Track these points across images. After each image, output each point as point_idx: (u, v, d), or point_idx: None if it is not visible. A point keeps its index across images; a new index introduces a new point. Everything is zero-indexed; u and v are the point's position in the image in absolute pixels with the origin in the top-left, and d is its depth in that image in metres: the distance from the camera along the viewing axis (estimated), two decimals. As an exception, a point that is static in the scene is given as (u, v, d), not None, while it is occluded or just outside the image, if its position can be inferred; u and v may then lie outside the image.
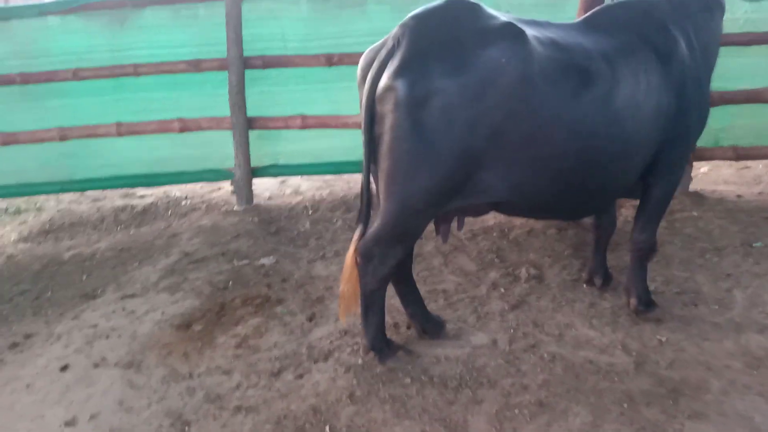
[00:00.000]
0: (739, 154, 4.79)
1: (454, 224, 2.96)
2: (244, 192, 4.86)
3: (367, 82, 2.53)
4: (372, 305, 2.77)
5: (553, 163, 2.57)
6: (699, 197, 4.70)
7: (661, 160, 2.87)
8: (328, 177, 5.41)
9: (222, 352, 3.03)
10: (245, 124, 4.68)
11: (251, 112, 4.67)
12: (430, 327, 3.02)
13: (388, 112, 2.45)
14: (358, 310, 2.81)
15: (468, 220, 3.53)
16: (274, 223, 4.57)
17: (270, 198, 5.14)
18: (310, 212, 4.75)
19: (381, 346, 2.83)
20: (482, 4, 2.59)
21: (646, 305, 3.11)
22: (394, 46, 2.47)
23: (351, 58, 4.55)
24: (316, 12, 4.53)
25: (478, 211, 2.80)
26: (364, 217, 2.72)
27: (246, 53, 4.52)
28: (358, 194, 4.94)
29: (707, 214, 4.45)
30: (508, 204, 2.70)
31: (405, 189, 2.52)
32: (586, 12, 3.51)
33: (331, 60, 4.53)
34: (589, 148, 2.59)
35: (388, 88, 2.42)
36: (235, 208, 4.87)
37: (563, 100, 2.50)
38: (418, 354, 2.91)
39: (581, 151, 2.58)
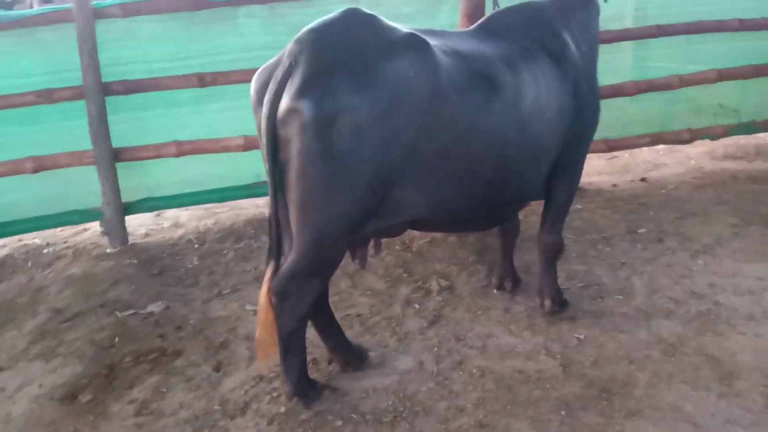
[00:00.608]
0: (610, 145, 5.08)
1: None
2: (117, 231, 4.37)
3: (264, 105, 2.29)
4: (292, 347, 2.53)
5: (469, 174, 2.49)
6: (579, 190, 4.85)
7: (563, 161, 2.90)
8: (211, 205, 5.02)
9: (119, 424, 2.62)
10: (111, 156, 4.20)
11: (117, 142, 4.20)
12: (353, 358, 2.83)
13: (293, 136, 2.23)
14: (277, 354, 2.55)
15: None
16: (156, 263, 4.14)
17: (147, 235, 4.67)
18: (196, 246, 4.36)
19: (305, 389, 2.59)
20: (379, 15, 2.45)
21: (560, 305, 3.13)
22: (291, 63, 2.25)
23: (226, 77, 4.25)
24: (183, 29, 4.17)
25: (396, 231, 2.65)
26: (276, 253, 2.47)
27: (105, 78, 4.05)
28: (247, 221, 4.63)
29: (590, 205, 4.66)
30: (427, 220, 2.58)
31: (320, 217, 2.31)
32: (468, 19, 3.51)
33: (203, 80, 4.19)
34: (502, 155, 2.54)
35: (292, 110, 2.20)
36: (108, 250, 4.36)
37: (475, 110, 2.43)
38: (345, 390, 2.70)
39: (495, 159, 2.52)
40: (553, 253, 3.11)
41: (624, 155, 5.68)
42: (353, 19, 2.37)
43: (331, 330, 2.81)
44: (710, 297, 3.24)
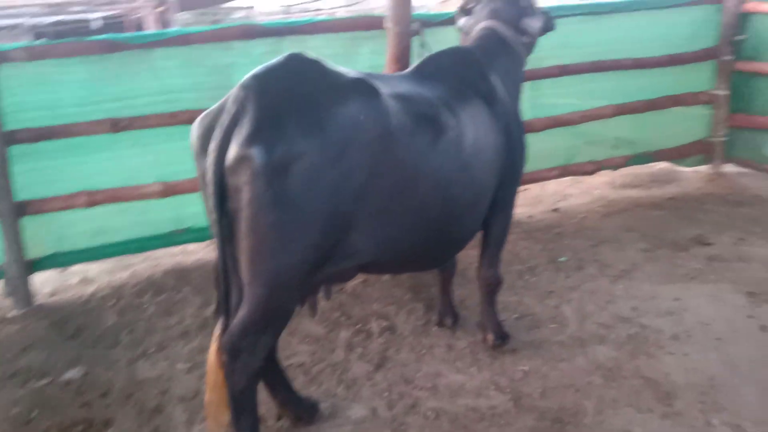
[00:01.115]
0: (523, 179, 5.29)
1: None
2: (22, 292, 3.99)
3: (210, 152, 2.19)
4: (245, 407, 2.38)
5: (418, 215, 2.51)
6: (499, 222, 5.07)
7: (499, 198, 2.98)
8: (121, 258, 4.71)
9: None
10: (13, 210, 3.85)
11: (21, 195, 3.87)
12: (305, 411, 2.73)
13: (243, 184, 2.14)
14: (228, 417, 2.40)
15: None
16: (69, 324, 3.81)
17: (54, 293, 4.30)
18: (113, 302, 4.07)
19: (259, 448, 2.45)
20: (323, 59, 2.44)
21: (502, 338, 3.19)
22: (238, 110, 2.18)
23: (143, 121, 4.06)
24: (94, 72, 3.93)
25: (346, 276, 2.61)
26: (225, 308, 2.34)
27: (8, 126, 3.74)
28: (166, 272, 4.40)
29: (511, 237, 4.77)
30: (378, 263, 2.56)
31: (274, 266, 2.22)
32: (396, 63, 3.57)
33: (117, 125, 3.97)
34: (448, 195, 2.58)
35: (241, 158, 2.12)
36: (13, 313, 3.97)
37: (422, 151, 2.46)
38: (298, 446, 2.59)
39: (442, 199, 2.56)
40: (493, 287, 3.18)
41: (534, 188, 5.95)
42: (298, 63, 2.35)
43: (280, 384, 2.70)
44: (636, 320, 3.43)
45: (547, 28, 3.32)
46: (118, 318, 3.86)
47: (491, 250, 3.12)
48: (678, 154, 5.92)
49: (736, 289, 3.68)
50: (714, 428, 2.53)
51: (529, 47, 3.28)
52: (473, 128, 2.71)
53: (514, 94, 3.12)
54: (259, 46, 4.35)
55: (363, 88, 2.35)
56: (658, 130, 5.74)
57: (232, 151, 2.14)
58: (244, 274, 2.27)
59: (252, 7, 20.16)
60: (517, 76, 3.17)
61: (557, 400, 2.79)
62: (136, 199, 4.15)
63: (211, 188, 2.20)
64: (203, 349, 3.44)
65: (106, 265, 4.69)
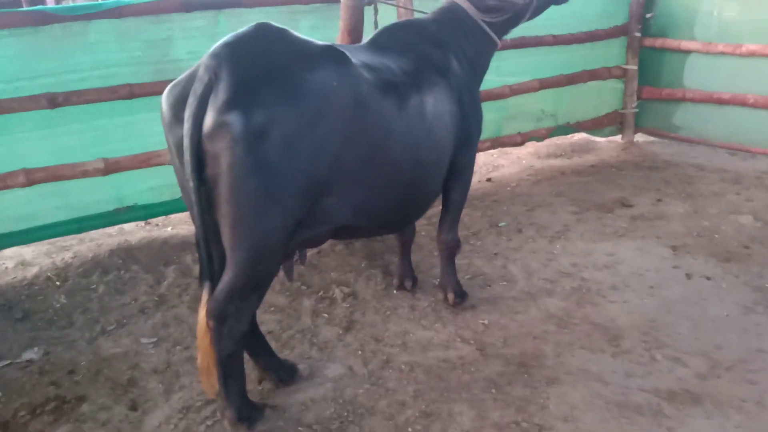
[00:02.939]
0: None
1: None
2: (-44, 277, 3.78)
3: (186, 121, 2.20)
4: (232, 370, 2.45)
5: (389, 178, 2.64)
6: (438, 192, 5.29)
7: (456, 164, 3.15)
8: (58, 239, 4.53)
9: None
10: (-56, 191, 3.64)
11: (-47, 175, 3.65)
12: (285, 373, 2.81)
13: (222, 150, 2.17)
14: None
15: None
16: (16, 308, 3.66)
17: (-11, 278, 4.10)
18: (58, 284, 3.92)
19: (248, 412, 2.52)
20: (289, 29, 2.49)
21: (461, 296, 3.40)
22: (211, 78, 2.20)
23: (80, 96, 3.90)
24: (27, 46, 3.72)
25: (319, 241, 2.69)
26: (208, 274, 2.37)
27: (-64, 103, 3.51)
28: (111, 251, 4.27)
29: (451, 205, 5.04)
30: (349, 227, 2.67)
31: (256, 230, 2.28)
32: (349, 35, 3.64)
33: (54, 101, 3.80)
34: (415, 158, 2.72)
35: (221, 124, 2.15)
36: (-51, 300, 3.76)
37: (391, 116, 2.58)
38: (284, 406, 2.69)
39: (410, 162, 2.70)
40: (452, 250, 3.37)
41: (466, 159, 6.20)
42: (266, 32, 2.39)
43: (261, 348, 2.77)
44: (577, 275, 3.74)
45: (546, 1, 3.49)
46: (67, 299, 3.74)
47: (451, 215, 3.30)
48: (595, 125, 6.36)
49: (661, 243, 4.08)
50: (658, 362, 2.85)
51: (511, 23, 3.40)
52: (431, 95, 2.85)
53: (470, 68, 3.26)
54: (196, 19, 4.28)
55: (334, 55, 2.43)
56: (577, 103, 6.14)
57: (210, 119, 2.16)
58: (225, 240, 2.31)
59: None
60: (476, 51, 3.30)
61: (518, 347, 3.03)
62: (77, 178, 4.01)
63: (188, 156, 2.21)
64: (166, 324, 3.46)
65: (41, 247, 4.50)
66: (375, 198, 2.63)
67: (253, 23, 2.40)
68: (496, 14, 3.32)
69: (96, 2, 3.96)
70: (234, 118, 2.13)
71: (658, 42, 6.07)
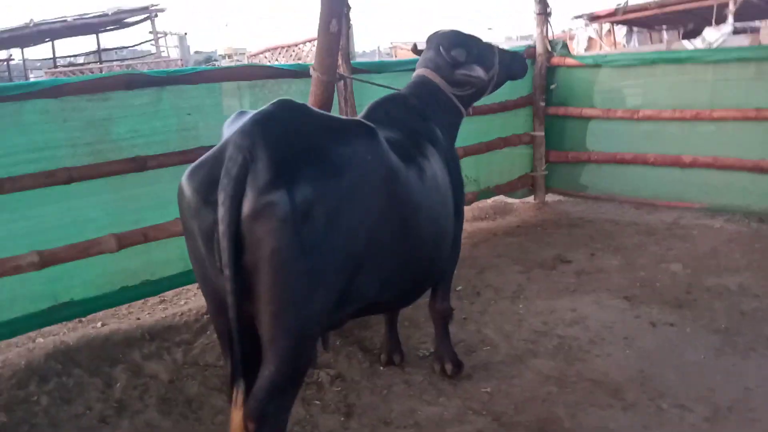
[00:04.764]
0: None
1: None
2: None
3: (222, 205, 2.04)
4: (273, 474, 2.21)
5: (415, 250, 2.60)
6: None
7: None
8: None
9: None
10: None
11: None
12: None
13: (266, 233, 2.03)
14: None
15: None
16: (-58, 436, 3.07)
17: None
18: (-11, 399, 3.36)
19: None
20: (308, 105, 2.43)
21: (459, 366, 3.36)
22: (245, 157, 2.07)
23: (13, 183, 3.49)
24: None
25: (343, 322, 2.56)
26: (242, 371, 2.15)
27: None
28: (47, 355, 3.73)
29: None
30: (374, 304, 2.57)
31: (301, 316, 2.13)
32: (320, 108, 3.61)
33: (-17, 189, 3.37)
34: (435, 230, 2.72)
35: (265, 205, 2.02)
36: None
37: (416, 188, 2.57)
38: None
39: (431, 234, 2.69)
40: (447, 319, 3.34)
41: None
42: (291, 108, 2.32)
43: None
44: (552, 332, 3.84)
45: (511, 74, 3.66)
46: (7, 416, 3.20)
47: (445, 283, 3.30)
48: (510, 188, 6.74)
49: (612, 295, 4.33)
50: (665, 411, 2.96)
51: (476, 96, 3.52)
52: (436, 166, 2.89)
53: (448, 138, 3.35)
54: (139, 97, 4.06)
55: (365, 129, 2.40)
56: (494, 168, 6.50)
57: (251, 200, 2.03)
58: (265, 331, 2.13)
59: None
60: (449, 123, 3.40)
61: (531, 413, 3.02)
62: (9, 274, 3.52)
63: (225, 242, 2.04)
64: (138, 430, 3.07)
65: (-47, 358, 3.86)
66: (400, 272, 2.57)
67: (274, 100, 2.31)
68: (463, 88, 3.45)
69: (34, 80, 3.62)
70: (280, 198, 2.01)
71: (561, 110, 6.63)
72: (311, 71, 3.55)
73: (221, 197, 2.04)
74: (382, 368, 3.51)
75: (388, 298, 2.66)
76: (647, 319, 3.93)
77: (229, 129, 2.40)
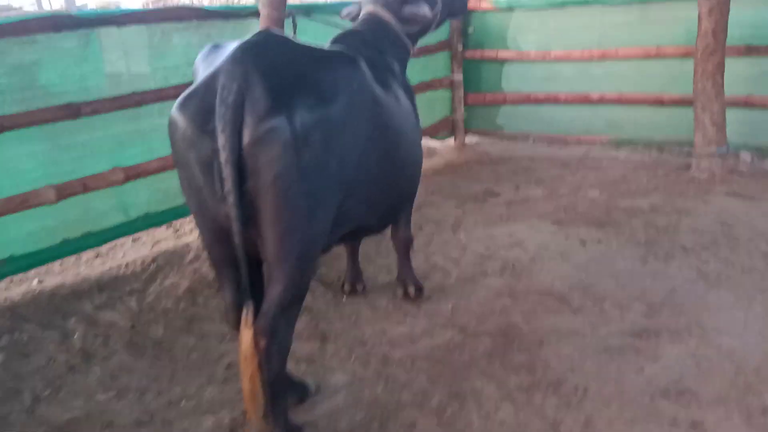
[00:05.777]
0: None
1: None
2: None
3: (221, 133, 2.07)
4: (280, 389, 2.33)
5: (394, 176, 2.74)
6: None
7: (410, 163, 3.34)
8: None
9: None
10: None
11: None
12: (298, 392, 2.73)
13: (269, 158, 2.10)
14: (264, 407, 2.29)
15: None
16: None
17: None
18: (-63, 361, 3.20)
19: (294, 431, 2.42)
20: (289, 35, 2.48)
21: (420, 290, 3.58)
22: (241, 85, 2.11)
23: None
24: None
25: (331, 247, 2.68)
26: (249, 291, 2.23)
27: None
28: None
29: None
30: (359, 228, 2.70)
31: (305, 237, 2.24)
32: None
33: None
34: (411, 155, 2.89)
35: (267, 131, 2.08)
36: None
37: (394, 115, 2.70)
38: (313, 422, 2.62)
39: (410, 159, 2.84)
40: (409, 245, 3.53)
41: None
42: (276, 38, 2.36)
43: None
44: (495, 255, 4.14)
45: (452, 11, 3.75)
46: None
47: (407, 212, 3.47)
48: (433, 131, 6.96)
49: (543, 220, 4.69)
50: (608, 311, 3.33)
51: (421, 32, 3.62)
52: (402, 97, 3.02)
53: (402, 72, 3.47)
54: (66, 39, 3.85)
55: (348, 58, 2.49)
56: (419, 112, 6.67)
57: (251, 127, 2.08)
58: (271, 254, 2.22)
59: None
60: (400, 59, 3.51)
61: (492, 322, 3.30)
62: None
63: (228, 170, 2.09)
64: (114, 375, 3.10)
65: None
66: (383, 196, 2.71)
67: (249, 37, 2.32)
68: (410, 25, 3.57)
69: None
70: (280, 124, 2.08)
71: (478, 53, 6.89)
72: (260, 7, 3.51)
73: (220, 125, 2.06)
74: (345, 298, 3.67)
75: (373, 223, 2.80)
76: (576, 238, 4.32)
77: (206, 62, 2.40)
